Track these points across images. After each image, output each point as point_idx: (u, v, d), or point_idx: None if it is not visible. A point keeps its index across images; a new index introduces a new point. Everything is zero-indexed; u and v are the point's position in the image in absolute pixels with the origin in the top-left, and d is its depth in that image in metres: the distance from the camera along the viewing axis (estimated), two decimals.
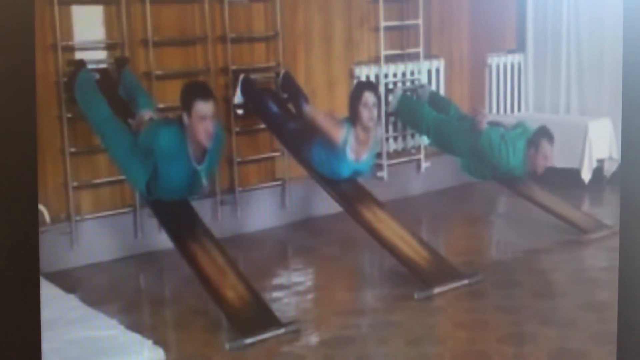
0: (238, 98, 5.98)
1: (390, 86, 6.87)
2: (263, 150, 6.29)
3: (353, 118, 5.36)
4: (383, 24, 6.78)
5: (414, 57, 7.01)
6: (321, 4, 6.52)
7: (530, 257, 5.51)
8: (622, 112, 2.49)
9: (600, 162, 7.23)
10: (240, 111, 6.03)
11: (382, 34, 6.79)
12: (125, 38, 5.55)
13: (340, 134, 5.32)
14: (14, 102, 2.35)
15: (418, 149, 7.12)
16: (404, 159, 7.05)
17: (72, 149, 5.44)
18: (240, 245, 5.85)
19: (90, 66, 5.41)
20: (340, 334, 4.35)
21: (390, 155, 6.94)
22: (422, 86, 6.94)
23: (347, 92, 6.59)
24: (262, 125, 6.09)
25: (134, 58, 5.61)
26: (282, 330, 4.35)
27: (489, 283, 5.02)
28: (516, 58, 7.84)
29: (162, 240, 5.23)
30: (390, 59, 6.90)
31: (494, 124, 6.15)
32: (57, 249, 5.36)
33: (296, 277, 5.38)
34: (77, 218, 5.50)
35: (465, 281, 4.98)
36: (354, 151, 5.37)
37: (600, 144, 7.17)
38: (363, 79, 6.69)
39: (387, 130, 6.89)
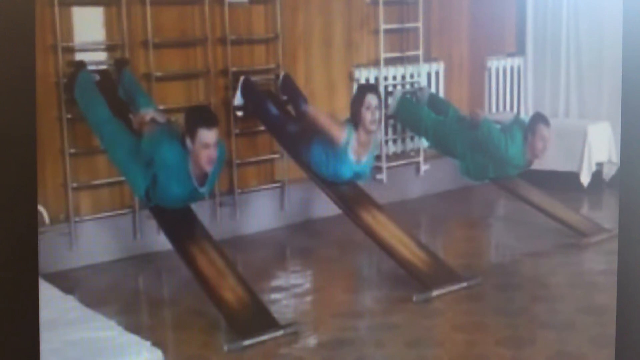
0: (238, 100, 5.98)
1: (390, 89, 6.87)
2: (262, 152, 6.30)
3: (355, 120, 5.36)
4: (383, 26, 6.79)
5: (414, 59, 7.02)
6: (321, 7, 6.53)
7: (529, 260, 5.51)
8: (621, 115, 2.49)
9: (600, 165, 7.24)
10: (240, 113, 6.03)
11: (382, 36, 6.79)
12: (126, 39, 5.55)
13: (343, 134, 5.32)
14: (14, 102, 2.36)
15: (417, 151, 7.13)
16: (403, 162, 7.06)
17: (72, 150, 5.44)
18: (239, 247, 5.85)
19: (90, 67, 5.41)
20: (339, 336, 4.35)
21: (389, 158, 6.94)
22: (421, 89, 6.95)
23: (347, 94, 6.61)
24: (262, 127, 6.09)
25: (134, 59, 5.61)
26: (281, 332, 4.34)
27: (487, 286, 5.02)
28: (516, 61, 7.85)
29: (161, 242, 5.23)
30: (390, 62, 6.90)
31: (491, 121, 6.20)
32: (56, 250, 5.36)
33: (295, 279, 5.38)
34: (76, 219, 5.50)
35: (464, 284, 4.98)
36: (355, 152, 5.38)
37: (599, 148, 7.18)
38: (363, 81, 6.70)
39: (386, 133, 6.89)
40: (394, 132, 7.00)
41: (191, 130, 4.53)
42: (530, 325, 4.41)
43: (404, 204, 6.87)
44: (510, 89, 7.82)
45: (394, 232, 5.29)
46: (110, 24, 5.55)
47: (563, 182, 7.03)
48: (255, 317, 4.43)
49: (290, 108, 6.02)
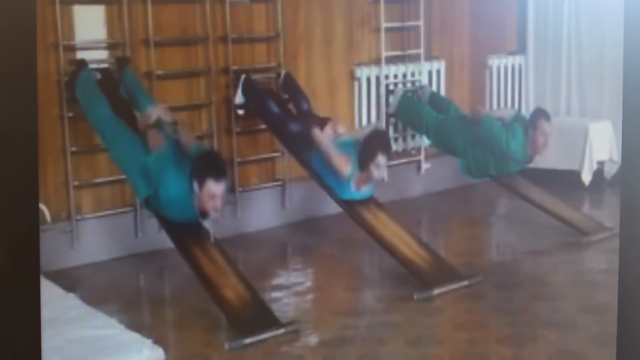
0: (239, 98, 5.98)
1: (391, 87, 6.87)
2: (263, 151, 6.30)
3: (361, 166, 5.28)
4: (384, 25, 6.79)
5: (415, 58, 7.02)
6: (322, 5, 6.53)
7: (530, 259, 5.51)
8: (622, 114, 2.49)
9: (601, 164, 7.24)
10: (241, 111, 6.03)
11: (383, 35, 6.79)
12: (127, 38, 5.55)
13: (347, 170, 5.29)
14: (15, 101, 2.36)
15: (418, 150, 7.13)
16: (404, 160, 7.06)
17: (73, 148, 5.44)
18: (240, 245, 5.85)
19: (91, 66, 5.41)
20: (340, 335, 4.35)
21: (390, 157, 6.93)
22: (422, 87, 6.95)
23: (348, 92, 6.62)
24: (263, 126, 6.09)
25: (135, 58, 5.61)
26: (282, 331, 4.35)
27: (488, 284, 5.02)
28: (517, 60, 7.84)
29: (162, 240, 5.23)
30: (391, 60, 6.90)
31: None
32: (57, 248, 5.36)
33: (296, 278, 5.38)
34: (78, 217, 5.50)
35: (465, 282, 4.98)
36: (356, 185, 5.35)
37: (600, 146, 7.18)
38: (364, 79, 6.70)
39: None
40: (395, 130, 7.00)
41: (199, 178, 4.38)
42: (531, 323, 4.41)
43: (405, 202, 6.87)
44: (512, 87, 7.82)
45: (395, 231, 5.29)
46: (111, 22, 5.55)
47: (564, 181, 7.03)
48: (257, 316, 4.44)
49: (291, 106, 6.01)
